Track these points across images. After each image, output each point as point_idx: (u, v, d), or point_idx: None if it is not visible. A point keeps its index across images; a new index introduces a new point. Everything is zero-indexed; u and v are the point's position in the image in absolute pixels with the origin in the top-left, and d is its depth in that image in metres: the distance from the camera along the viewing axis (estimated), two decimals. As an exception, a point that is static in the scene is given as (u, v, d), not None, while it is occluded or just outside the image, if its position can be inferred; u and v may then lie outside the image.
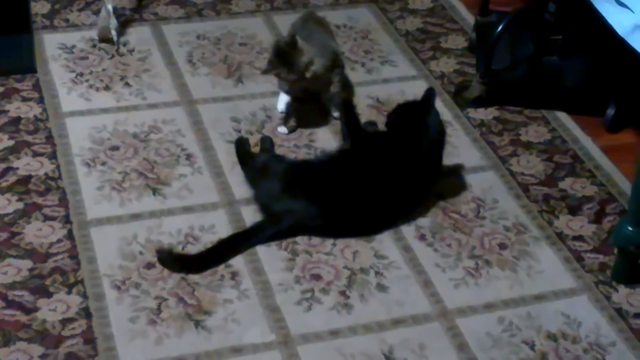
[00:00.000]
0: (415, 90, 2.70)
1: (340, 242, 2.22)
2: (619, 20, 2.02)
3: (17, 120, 2.52)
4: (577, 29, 2.62)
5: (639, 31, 1.96)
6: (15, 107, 2.56)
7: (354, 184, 2.22)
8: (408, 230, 2.27)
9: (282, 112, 2.52)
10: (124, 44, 2.85)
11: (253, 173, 2.32)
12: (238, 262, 2.14)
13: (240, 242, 2.18)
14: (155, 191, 2.32)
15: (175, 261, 2.12)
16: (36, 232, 2.18)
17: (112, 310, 2.00)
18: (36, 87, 2.65)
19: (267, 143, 2.45)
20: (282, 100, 2.52)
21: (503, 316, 2.07)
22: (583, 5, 2.22)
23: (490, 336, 2.02)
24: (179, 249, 2.16)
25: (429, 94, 2.35)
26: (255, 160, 2.36)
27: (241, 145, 2.42)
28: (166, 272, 2.10)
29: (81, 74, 2.71)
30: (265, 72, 2.46)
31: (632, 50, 2.00)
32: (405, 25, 3.06)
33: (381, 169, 2.25)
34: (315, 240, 2.22)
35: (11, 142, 2.44)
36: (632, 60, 2.12)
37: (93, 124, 2.52)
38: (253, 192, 2.28)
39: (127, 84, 2.68)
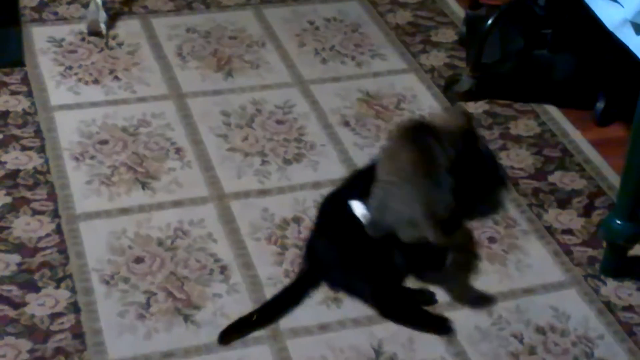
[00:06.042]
0: (405, 84, 2.69)
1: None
2: (609, 15, 2.02)
3: (5, 114, 2.51)
4: (567, 23, 2.62)
5: (628, 25, 1.96)
6: (3, 101, 2.55)
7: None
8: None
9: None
10: (113, 38, 2.84)
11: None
12: (227, 256, 2.14)
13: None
14: (144, 185, 2.32)
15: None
16: (24, 227, 2.17)
17: (101, 304, 2.00)
18: (25, 80, 2.64)
19: None
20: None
21: (492, 310, 2.07)
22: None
23: (479, 330, 2.03)
24: (168, 243, 2.16)
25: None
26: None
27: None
28: (155, 266, 2.10)
29: (70, 68, 2.70)
30: None
31: (621, 44, 2.00)
32: (395, 19, 3.06)
33: None
34: (305, 234, 2.21)
35: (-1, 136, 2.44)
36: (621, 54, 2.12)
37: (82, 117, 2.52)
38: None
39: (116, 78, 2.67)
